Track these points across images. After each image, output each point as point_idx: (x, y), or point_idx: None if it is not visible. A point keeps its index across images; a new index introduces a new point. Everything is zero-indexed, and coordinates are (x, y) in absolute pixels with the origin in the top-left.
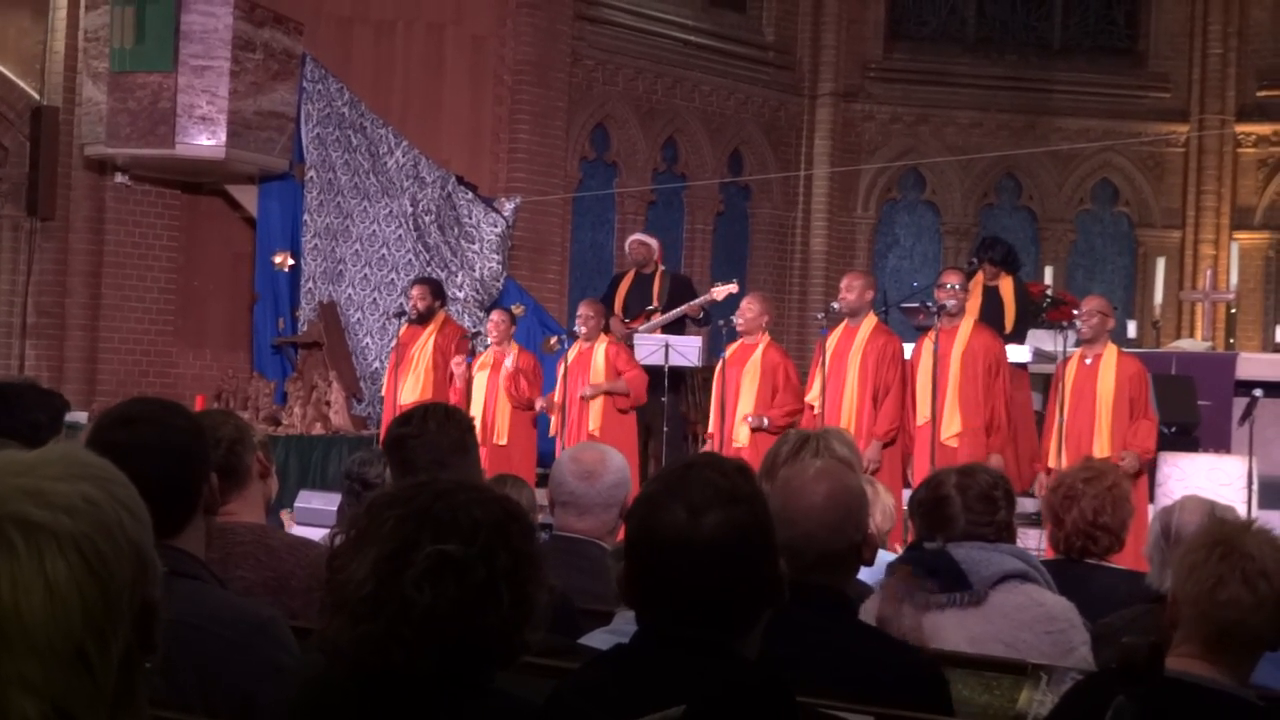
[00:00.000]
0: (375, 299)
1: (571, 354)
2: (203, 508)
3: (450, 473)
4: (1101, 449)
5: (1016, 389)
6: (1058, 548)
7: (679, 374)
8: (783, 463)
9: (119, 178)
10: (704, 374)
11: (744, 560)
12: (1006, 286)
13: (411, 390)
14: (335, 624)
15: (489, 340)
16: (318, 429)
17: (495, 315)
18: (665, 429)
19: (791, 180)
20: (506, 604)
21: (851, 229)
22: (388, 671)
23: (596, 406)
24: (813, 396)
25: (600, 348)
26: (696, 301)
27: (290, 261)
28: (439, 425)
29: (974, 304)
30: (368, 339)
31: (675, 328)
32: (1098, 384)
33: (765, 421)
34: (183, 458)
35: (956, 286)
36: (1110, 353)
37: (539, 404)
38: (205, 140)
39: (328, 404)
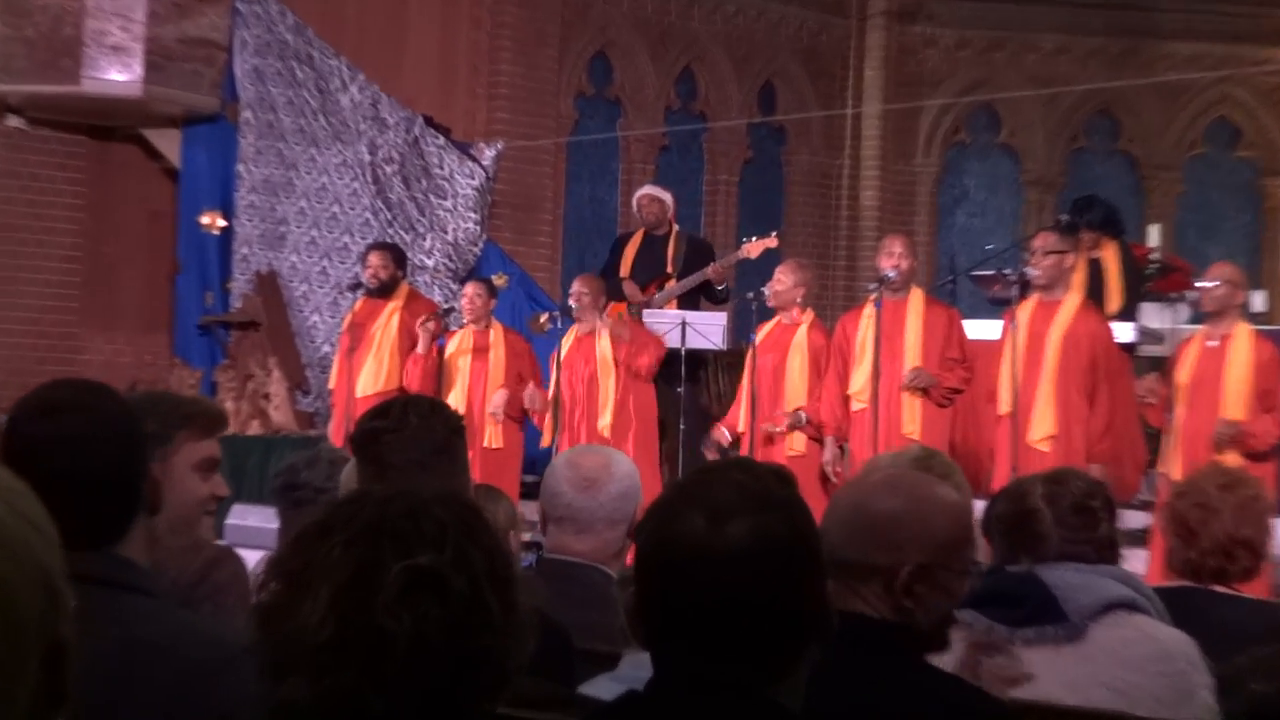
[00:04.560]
0: (325, 268)
1: (566, 342)
2: (145, 507)
3: (433, 479)
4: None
5: (1118, 376)
6: (1181, 570)
7: (699, 358)
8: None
9: (12, 120)
10: (729, 358)
11: (778, 579)
12: (1110, 255)
13: (371, 379)
14: (289, 687)
15: (464, 318)
16: (254, 428)
17: (471, 287)
18: (682, 425)
19: (836, 121)
20: (498, 614)
21: (910, 180)
22: None
23: (609, 396)
24: (859, 389)
25: (606, 336)
26: (723, 261)
27: (221, 223)
28: (423, 420)
29: (1079, 277)
30: (315, 317)
31: (692, 303)
32: (1225, 371)
33: (804, 418)
34: (121, 448)
35: (1052, 252)
36: (1242, 333)
37: (530, 403)
38: (118, 74)
39: (266, 397)
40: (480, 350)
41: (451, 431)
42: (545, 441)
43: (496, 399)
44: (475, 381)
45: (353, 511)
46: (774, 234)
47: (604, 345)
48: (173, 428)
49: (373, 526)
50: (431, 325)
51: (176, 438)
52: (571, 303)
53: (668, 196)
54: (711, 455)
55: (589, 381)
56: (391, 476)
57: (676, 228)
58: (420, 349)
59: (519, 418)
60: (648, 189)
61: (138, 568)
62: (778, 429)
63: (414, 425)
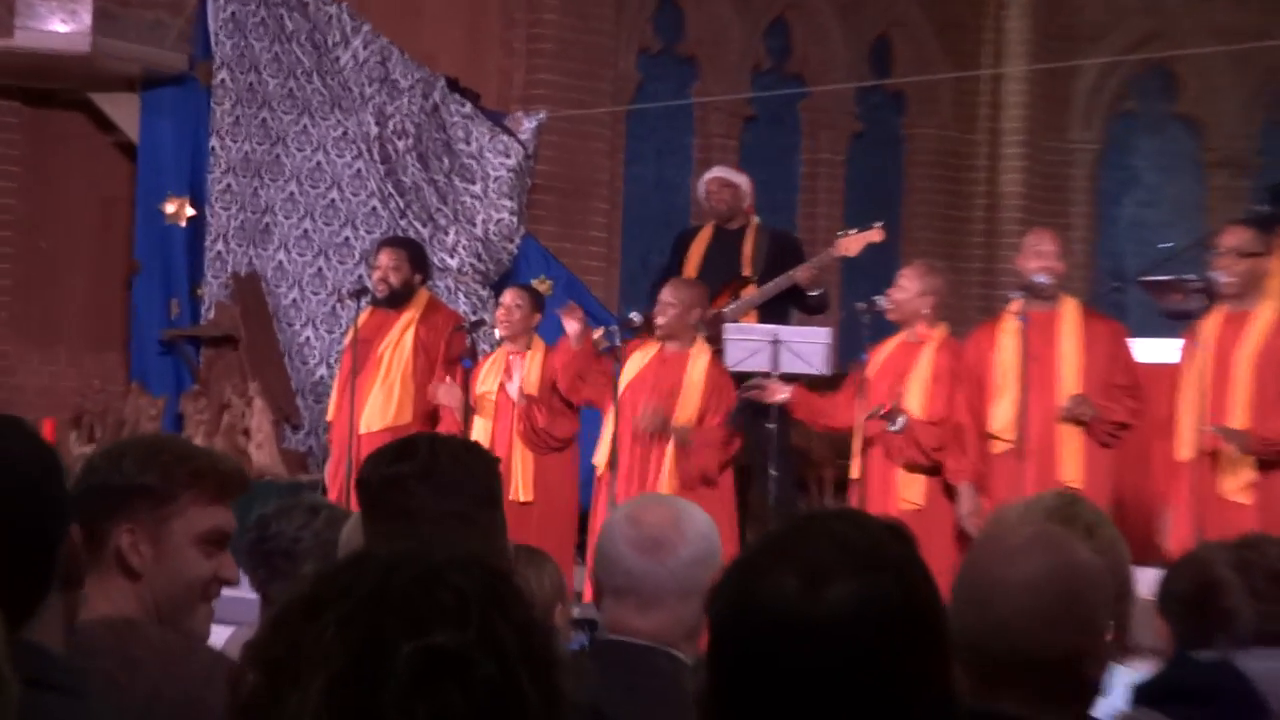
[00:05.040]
0: (321, 269)
1: (633, 365)
2: (60, 579)
3: (471, 537)
4: None
5: None
6: None
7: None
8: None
9: None
10: (833, 387)
11: (888, 657)
12: None
13: (379, 412)
14: None
15: (497, 334)
16: None
17: (510, 295)
18: (772, 472)
19: (969, 85)
20: (536, 706)
21: (1064, 160)
22: None
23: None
24: (1002, 425)
25: (701, 360)
26: (816, 260)
27: (189, 211)
28: (457, 462)
29: (1277, 283)
30: (309, 332)
31: (779, 313)
32: None
33: (901, 420)
34: (29, 502)
35: (1247, 253)
36: None
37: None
38: (60, 25)
39: (246, 433)
40: (513, 375)
41: (491, 476)
42: (598, 459)
43: (442, 391)
44: (503, 417)
45: (349, 580)
46: (877, 225)
47: (696, 374)
48: (178, 485)
49: (375, 598)
50: (453, 393)
51: (182, 498)
52: (657, 317)
53: (743, 180)
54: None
55: (667, 408)
56: (419, 534)
57: (755, 220)
58: (442, 399)
59: (559, 442)
60: (717, 171)
61: (50, 656)
62: (878, 413)
63: (446, 468)
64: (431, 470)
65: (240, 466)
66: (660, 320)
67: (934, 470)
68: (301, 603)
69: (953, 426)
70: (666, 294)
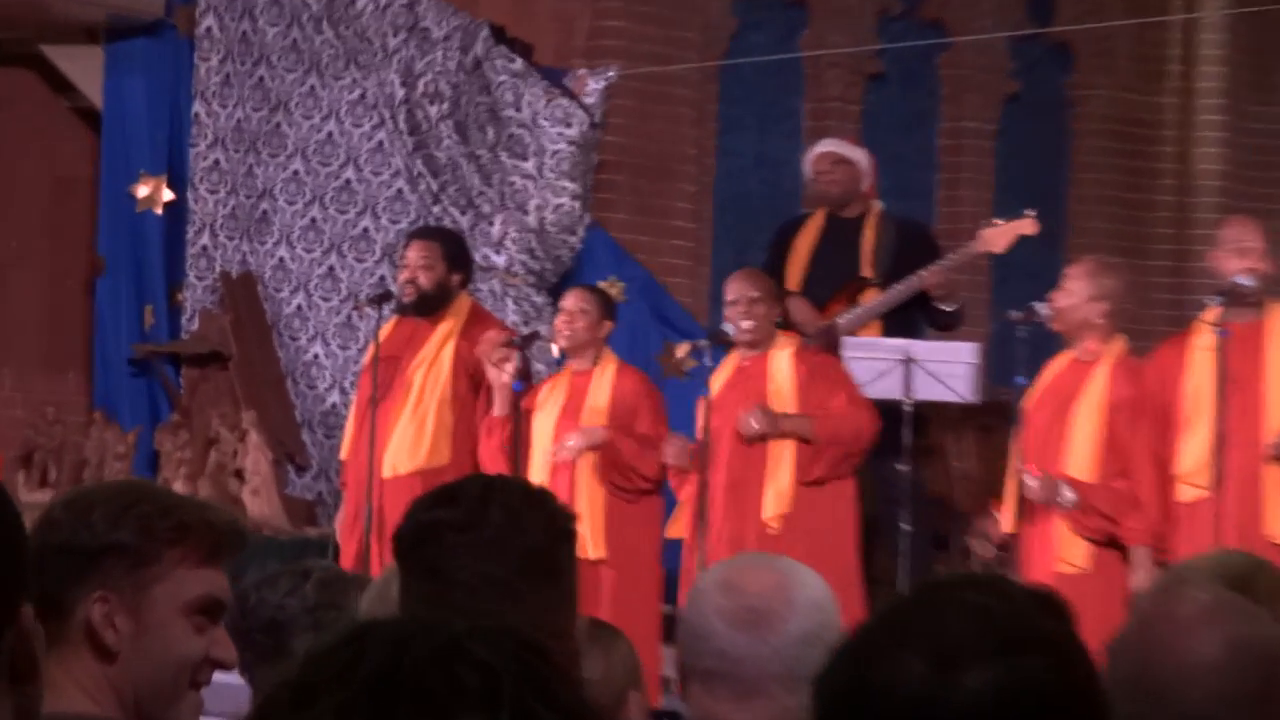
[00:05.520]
0: (333, 269)
1: (719, 378)
2: (6, 673)
3: (522, 610)
4: None
5: None
6: None
7: (925, 416)
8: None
9: None
10: (983, 417)
11: None
12: None
13: (407, 450)
14: None
15: (554, 349)
16: None
17: (573, 299)
18: (903, 526)
19: (1151, 33)
20: None
21: (1275, 129)
22: None
23: (784, 462)
24: (1194, 467)
25: (782, 356)
26: (950, 260)
27: (167, 195)
28: (512, 516)
29: None
30: (318, 347)
31: (907, 325)
32: None
33: (1070, 497)
34: None
35: None
36: None
37: (668, 456)
38: None
39: (239, 475)
40: (578, 401)
41: (560, 534)
42: (675, 531)
43: (574, 439)
44: (565, 462)
45: (348, 658)
46: (1029, 214)
47: (780, 376)
48: (161, 543)
49: (381, 681)
50: (507, 362)
51: (165, 558)
52: (738, 320)
53: (861, 156)
54: (983, 553)
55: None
56: (455, 601)
57: (878, 206)
58: (498, 409)
59: (647, 484)
60: (829, 145)
61: None
62: (1029, 481)
63: (494, 521)
64: (475, 522)
65: (236, 518)
66: (749, 323)
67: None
68: (289, 690)
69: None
70: (738, 288)
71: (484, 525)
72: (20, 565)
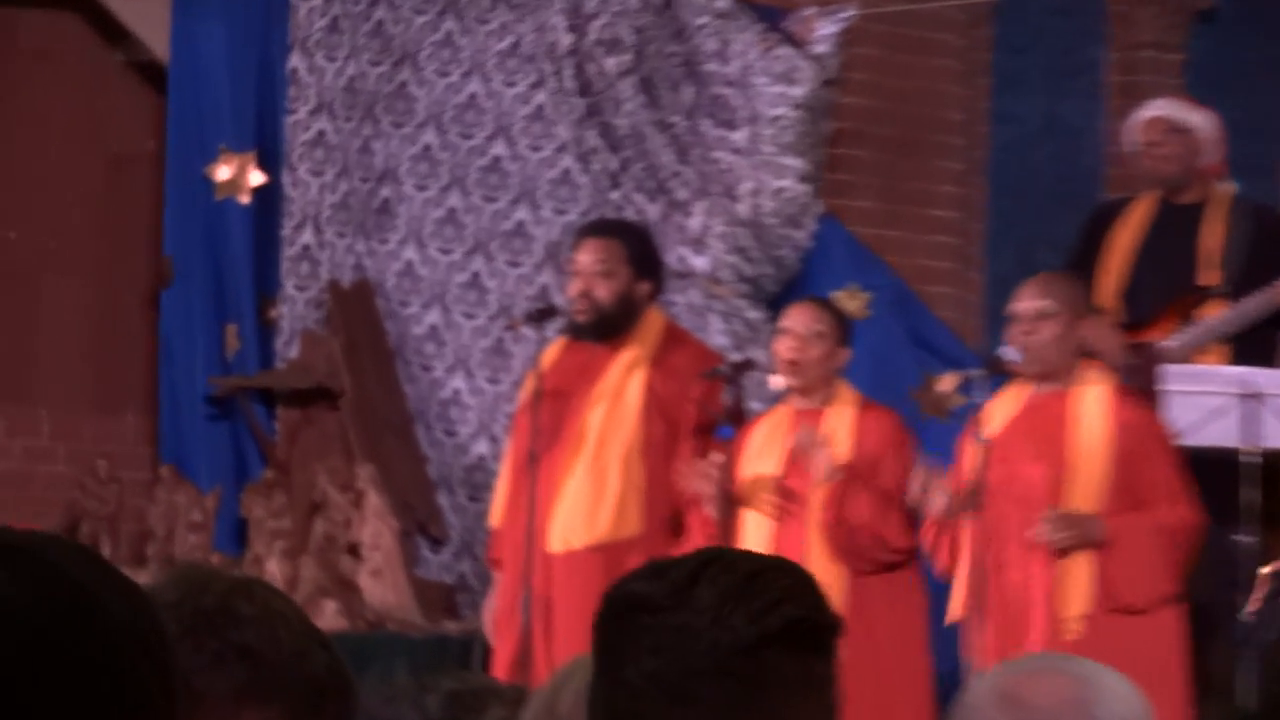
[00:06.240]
0: (478, 276)
1: (998, 413)
2: None
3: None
4: None
5: None
6: None
7: (1277, 469)
8: None
9: None
10: None
11: None
12: None
13: (584, 516)
14: None
15: (776, 383)
16: (328, 614)
17: (797, 318)
18: (1247, 614)
19: None
20: None
21: None
22: None
23: (1081, 580)
24: None
25: (1092, 396)
26: None
27: (257, 178)
28: (722, 599)
29: None
30: (458, 380)
31: (1262, 350)
32: None
33: None
34: (110, 677)
35: None
36: None
37: (922, 498)
38: None
39: (354, 551)
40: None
41: (771, 637)
42: (956, 614)
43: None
44: (787, 522)
45: None
46: None
47: (1090, 423)
48: (215, 676)
49: None
50: (708, 480)
51: (211, 702)
52: (1018, 339)
53: (1205, 122)
54: None
55: (1044, 486)
56: (617, 705)
57: (1227, 189)
58: (706, 510)
59: (898, 555)
60: (1157, 108)
61: None
62: None
63: (699, 606)
64: (673, 603)
65: (340, 667)
66: (1034, 346)
67: None
68: None
69: None
70: (1031, 298)
71: (681, 608)
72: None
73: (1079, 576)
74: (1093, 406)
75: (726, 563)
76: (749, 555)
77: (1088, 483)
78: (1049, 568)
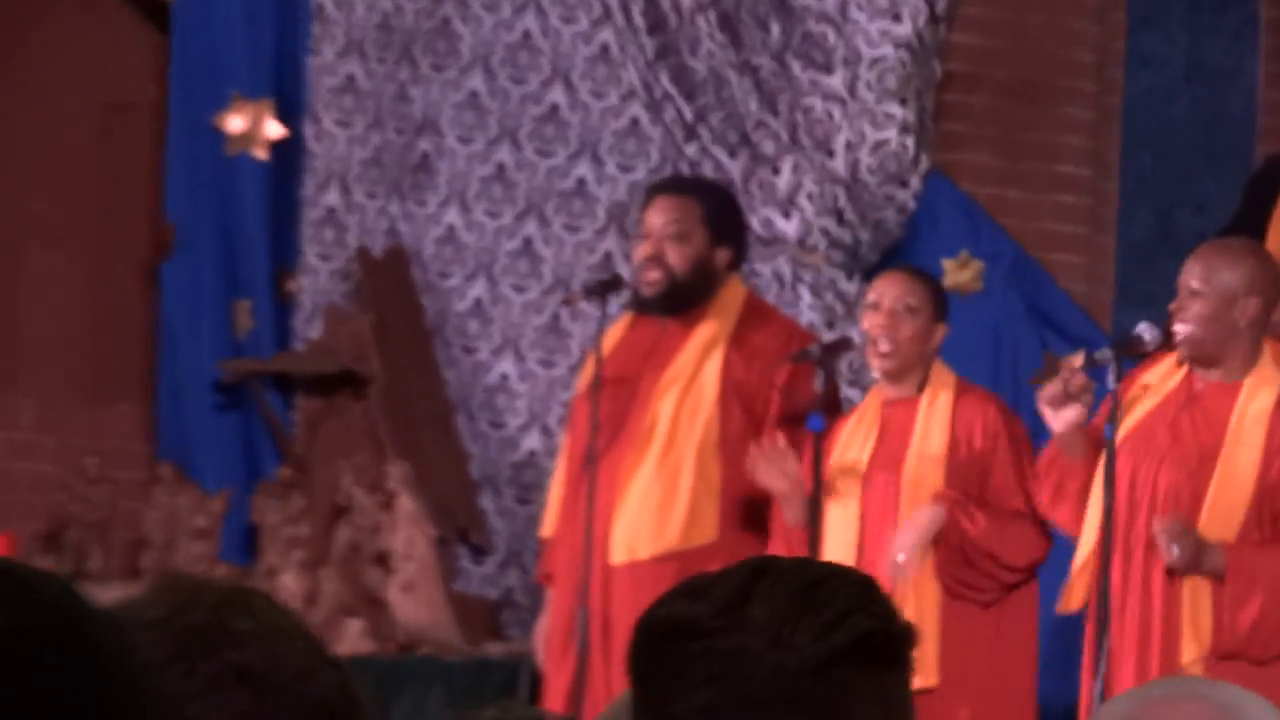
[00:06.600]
0: (530, 243)
1: (1140, 409)
2: None
3: None
4: None
5: None
6: None
7: None
8: None
9: None
10: None
11: None
12: None
13: (651, 522)
14: None
15: (876, 367)
16: (353, 635)
17: (889, 291)
18: None
19: None
20: None
21: None
22: None
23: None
24: None
25: (1266, 391)
26: None
27: (274, 130)
28: (777, 619)
29: None
30: (507, 363)
31: None
32: None
33: None
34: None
35: None
36: None
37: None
38: None
39: (383, 561)
40: (897, 449)
41: (833, 659)
42: (1069, 604)
43: (903, 548)
44: (875, 526)
45: None
46: None
47: (1250, 423)
48: (210, 702)
49: None
50: (788, 470)
51: None
52: (1145, 328)
53: None
54: None
55: (1189, 493)
56: None
57: None
58: (791, 518)
59: (1014, 574)
60: None
61: None
62: None
63: (753, 627)
64: (722, 625)
65: (352, 688)
66: (1182, 326)
67: None
68: None
69: None
70: (1197, 271)
71: (733, 630)
72: None
73: (1197, 612)
74: (1259, 405)
75: (778, 574)
76: (803, 563)
77: (1230, 508)
78: (1169, 589)
